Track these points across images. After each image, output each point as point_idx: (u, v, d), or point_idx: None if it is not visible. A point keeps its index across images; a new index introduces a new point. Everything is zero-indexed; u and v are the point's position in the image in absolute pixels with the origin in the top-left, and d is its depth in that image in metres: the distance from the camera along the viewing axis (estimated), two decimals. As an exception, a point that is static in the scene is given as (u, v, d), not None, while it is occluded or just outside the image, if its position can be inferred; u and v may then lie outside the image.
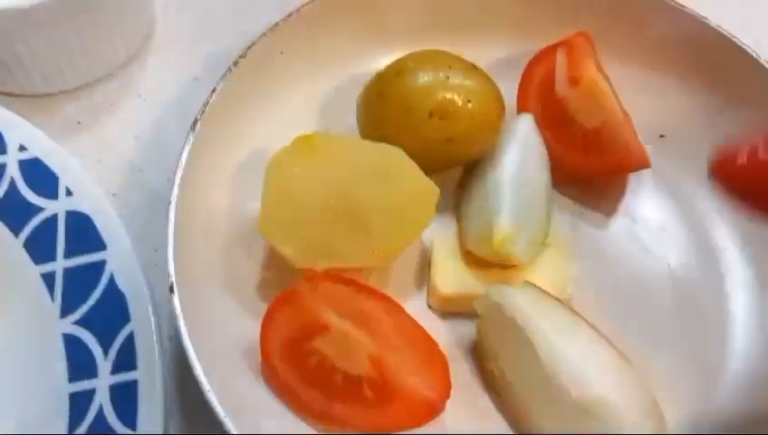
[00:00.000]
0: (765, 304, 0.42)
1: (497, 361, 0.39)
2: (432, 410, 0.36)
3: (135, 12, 0.50)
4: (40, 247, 0.42)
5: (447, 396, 0.37)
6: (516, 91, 0.47)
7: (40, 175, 0.43)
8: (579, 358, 0.36)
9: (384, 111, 0.42)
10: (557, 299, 0.39)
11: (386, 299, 0.40)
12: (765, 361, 0.40)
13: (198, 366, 0.33)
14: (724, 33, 0.45)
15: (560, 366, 0.36)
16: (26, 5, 0.43)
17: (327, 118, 0.47)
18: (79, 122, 0.49)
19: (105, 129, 0.49)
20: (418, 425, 0.37)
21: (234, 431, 0.33)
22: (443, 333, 0.41)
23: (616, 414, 0.34)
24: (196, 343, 0.34)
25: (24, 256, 0.42)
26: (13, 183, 0.43)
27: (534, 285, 0.39)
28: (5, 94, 0.48)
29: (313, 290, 0.38)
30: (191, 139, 0.40)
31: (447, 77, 0.42)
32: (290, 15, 0.44)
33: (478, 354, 0.40)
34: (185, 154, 0.39)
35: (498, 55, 0.49)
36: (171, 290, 0.35)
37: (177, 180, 0.38)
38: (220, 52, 0.52)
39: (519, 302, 0.37)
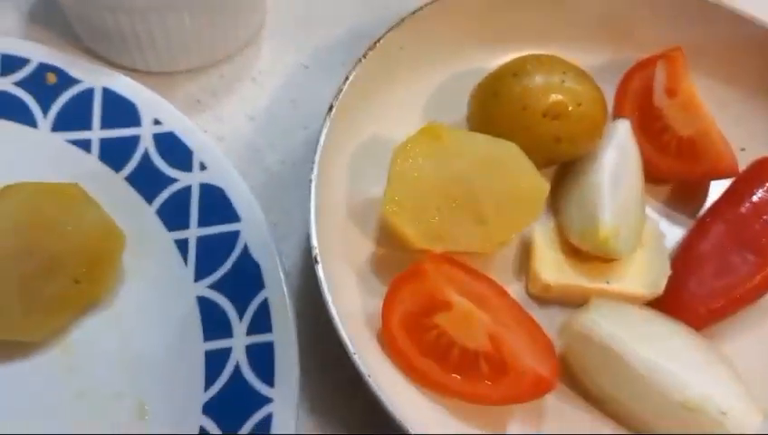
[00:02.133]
0: None
1: (592, 379, 0.42)
2: (544, 386, 0.39)
3: (251, 2, 0.53)
4: (173, 216, 0.45)
5: (557, 374, 0.40)
6: (613, 97, 0.50)
7: (174, 148, 0.46)
8: (673, 361, 0.40)
9: (499, 108, 0.45)
10: (633, 304, 0.43)
11: (494, 283, 0.43)
12: None
13: (343, 332, 0.37)
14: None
15: (657, 376, 0.39)
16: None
17: (437, 111, 0.50)
18: (198, 101, 0.52)
19: (223, 108, 0.52)
20: (528, 400, 0.40)
21: (377, 392, 0.36)
22: (540, 321, 0.44)
23: (721, 405, 0.38)
24: (340, 311, 0.37)
25: (157, 222, 0.45)
26: (146, 155, 0.46)
27: (607, 302, 0.43)
28: (131, 71, 0.51)
29: (437, 269, 0.41)
30: (327, 122, 0.43)
31: (562, 81, 0.45)
32: (413, 13, 0.47)
33: (568, 371, 0.43)
34: (323, 136, 0.42)
35: (595, 62, 0.52)
36: (316, 261, 0.38)
37: (317, 160, 0.41)
38: (327, 43, 0.55)
39: (602, 325, 0.41)
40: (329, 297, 0.38)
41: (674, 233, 0.48)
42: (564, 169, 0.49)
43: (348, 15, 0.57)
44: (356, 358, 0.36)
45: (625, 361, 0.40)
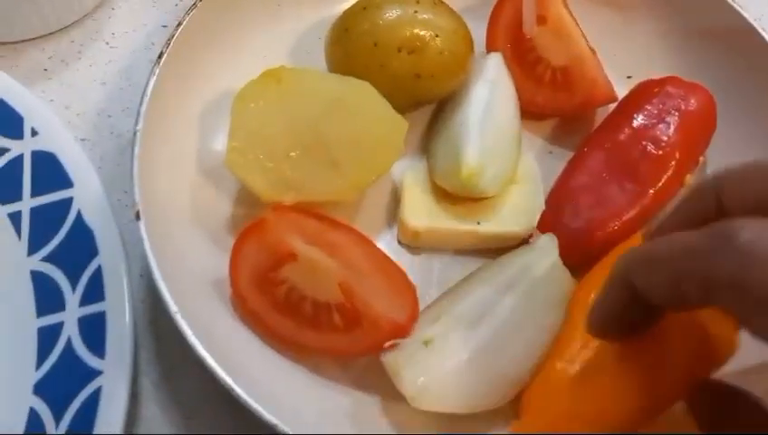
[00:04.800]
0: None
1: None
2: (399, 331, 0.36)
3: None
4: (5, 188, 0.41)
5: (415, 319, 0.37)
6: (485, 32, 0.47)
7: (4, 116, 0.43)
8: None
9: (351, 46, 0.42)
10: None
11: (353, 231, 0.40)
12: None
13: (165, 288, 0.33)
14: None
15: None
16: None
17: (295, 58, 0.47)
18: (45, 69, 0.48)
19: (73, 75, 0.48)
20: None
21: (203, 352, 0.33)
22: (413, 269, 0.41)
23: None
24: (164, 270, 0.34)
25: (-10, 197, 0.41)
26: (-24, 127, 0.43)
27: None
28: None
29: (280, 220, 0.38)
30: (156, 71, 0.39)
31: (415, 11, 0.42)
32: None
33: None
34: (150, 86, 0.39)
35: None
36: (138, 217, 0.35)
37: (143, 112, 0.38)
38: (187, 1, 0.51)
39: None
40: (150, 254, 0.34)
41: (557, 169, 0.45)
42: (439, 110, 0.46)
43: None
44: (177, 317, 0.33)
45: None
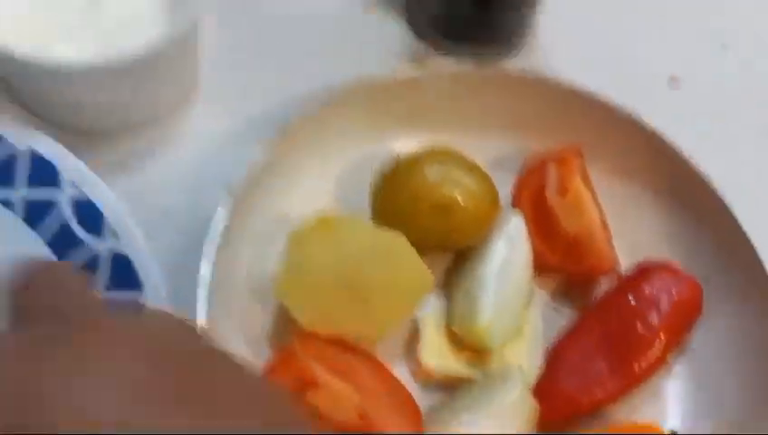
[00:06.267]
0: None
1: None
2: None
3: (183, 68, 0.55)
4: (83, 279, 0.48)
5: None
6: (512, 187, 0.53)
7: (89, 214, 0.49)
8: None
9: (393, 198, 0.49)
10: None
11: (371, 357, 0.47)
12: None
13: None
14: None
15: None
16: (92, 64, 0.49)
17: (344, 191, 0.53)
18: (123, 162, 0.55)
19: (146, 171, 0.55)
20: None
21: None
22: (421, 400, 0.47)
23: None
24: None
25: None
26: (64, 218, 0.49)
27: None
28: (56, 126, 0.54)
29: (306, 348, 0.45)
30: (225, 200, 0.46)
31: (454, 176, 0.49)
32: (325, 100, 0.50)
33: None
34: (220, 217, 0.45)
35: (498, 150, 0.55)
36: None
37: (214, 237, 0.44)
38: (258, 114, 0.58)
39: None
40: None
41: (558, 326, 0.51)
42: (461, 255, 0.52)
43: (284, 84, 0.59)
44: None
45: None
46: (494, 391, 0.45)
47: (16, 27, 0.51)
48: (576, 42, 0.64)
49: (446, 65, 0.55)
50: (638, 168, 0.54)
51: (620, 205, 0.53)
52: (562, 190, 0.51)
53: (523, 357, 0.48)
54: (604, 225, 0.51)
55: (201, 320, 0.42)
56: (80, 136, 0.54)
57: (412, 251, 0.46)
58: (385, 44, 0.62)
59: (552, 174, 0.51)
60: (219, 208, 0.46)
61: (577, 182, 0.51)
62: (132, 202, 0.51)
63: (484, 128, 0.54)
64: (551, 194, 0.52)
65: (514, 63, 0.61)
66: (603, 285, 0.52)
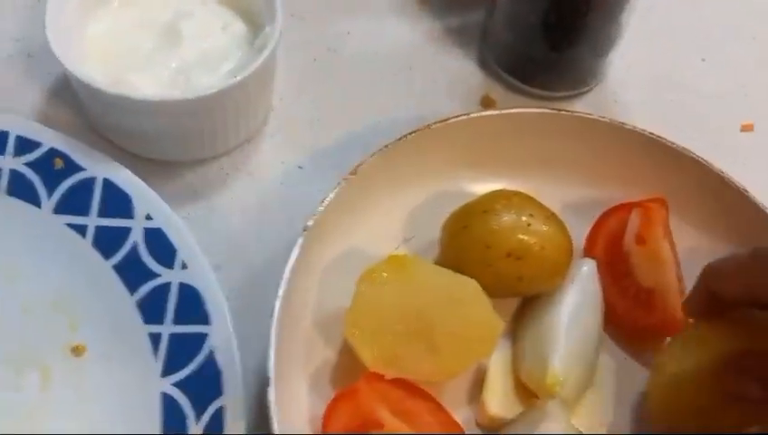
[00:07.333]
0: None
1: None
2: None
3: (257, 103, 0.56)
4: (151, 309, 0.48)
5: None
6: (585, 235, 0.52)
7: (160, 244, 0.49)
8: None
9: (466, 243, 0.48)
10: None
11: (433, 401, 0.46)
12: None
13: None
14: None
15: None
16: (170, 98, 0.50)
17: (414, 228, 0.53)
18: (195, 191, 0.55)
19: (217, 200, 0.55)
20: None
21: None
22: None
23: None
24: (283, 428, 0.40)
25: (135, 313, 0.48)
26: (135, 247, 0.50)
27: None
28: (134, 155, 0.55)
29: (371, 390, 0.44)
30: (300, 241, 0.46)
31: (529, 224, 0.47)
32: (399, 140, 0.50)
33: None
34: (294, 254, 0.45)
35: (572, 196, 0.54)
36: (268, 384, 0.41)
37: (286, 277, 0.44)
38: (326, 146, 0.58)
39: None
40: (276, 425, 0.40)
41: (631, 379, 0.49)
42: (530, 301, 0.51)
43: (352, 120, 0.59)
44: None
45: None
46: (535, 427, 0.44)
47: (98, 60, 0.53)
48: (645, 83, 0.63)
49: (523, 107, 0.54)
50: (720, 224, 0.52)
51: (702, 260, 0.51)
52: (640, 240, 0.50)
53: (595, 411, 0.47)
54: (680, 280, 0.50)
55: (270, 363, 0.42)
56: (153, 165, 0.55)
57: (484, 298, 0.46)
58: (458, 83, 0.62)
59: (634, 222, 0.50)
60: (295, 248, 0.46)
61: (658, 233, 0.50)
62: (199, 232, 0.52)
63: (558, 172, 0.54)
64: (628, 241, 0.50)
65: (584, 104, 0.61)
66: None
